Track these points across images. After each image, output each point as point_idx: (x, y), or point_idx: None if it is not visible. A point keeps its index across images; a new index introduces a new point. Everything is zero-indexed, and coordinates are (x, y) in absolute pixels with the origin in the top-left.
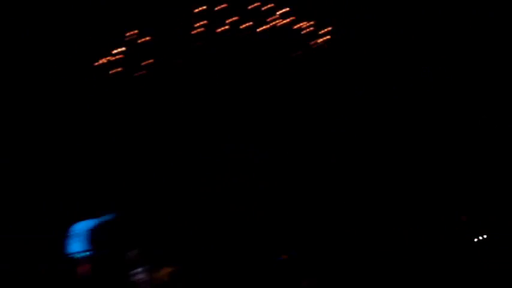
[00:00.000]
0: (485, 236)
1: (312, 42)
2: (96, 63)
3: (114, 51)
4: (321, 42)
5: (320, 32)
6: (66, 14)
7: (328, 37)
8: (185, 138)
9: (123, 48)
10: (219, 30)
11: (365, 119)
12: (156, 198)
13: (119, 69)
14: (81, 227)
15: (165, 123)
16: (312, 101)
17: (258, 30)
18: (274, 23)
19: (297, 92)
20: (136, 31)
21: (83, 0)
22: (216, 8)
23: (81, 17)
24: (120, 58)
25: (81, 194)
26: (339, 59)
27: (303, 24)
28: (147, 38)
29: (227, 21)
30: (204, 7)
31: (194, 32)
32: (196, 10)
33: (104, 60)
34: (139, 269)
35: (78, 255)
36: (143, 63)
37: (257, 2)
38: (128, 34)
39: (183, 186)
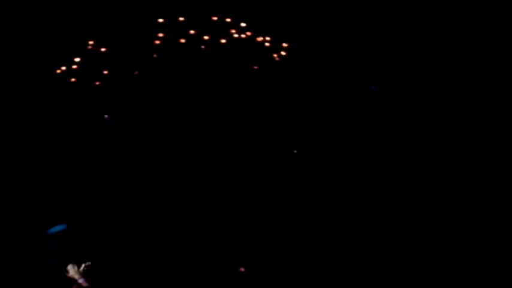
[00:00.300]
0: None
1: (270, 57)
2: (57, 71)
3: (74, 60)
4: (278, 57)
5: (278, 47)
6: (27, 20)
7: (285, 53)
8: (139, 148)
9: (79, 58)
10: (179, 41)
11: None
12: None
13: (75, 79)
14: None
15: (120, 131)
16: (269, 114)
17: (217, 42)
18: (233, 36)
19: (255, 104)
20: (93, 41)
21: (43, 8)
22: (175, 20)
23: (42, 24)
24: (78, 67)
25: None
26: (295, 74)
27: (261, 39)
28: (104, 49)
29: (186, 33)
30: (162, 20)
31: (154, 43)
32: (157, 21)
33: (63, 69)
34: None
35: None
36: (101, 73)
37: (216, 15)
38: (88, 43)
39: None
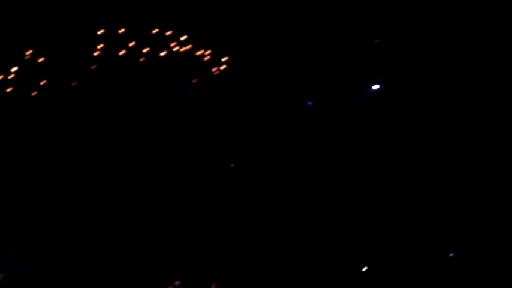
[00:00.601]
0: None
1: (210, 70)
2: None
3: (11, 70)
4: (219, 70)
5: (218, 60)
6: None
7: (225, 66)
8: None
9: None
10: (119, 53)
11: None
12: None
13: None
14: None
15: (57, 143)
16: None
17: (157, 55)
18: (173, 49)
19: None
20: (31, 50)
21: None
22: (116, 32)
23: None
24: (14, 77)
25: None
26: (236, 87)
27: (201, 52)
28: (43, 58)
29: (127, 45)
30: (103, 30)
31: (93, 54)
32: (98, 33)
33: None
34: None
35: None
36: (39, 83)
37: (156, 28)
38: (25, 53)
39: None
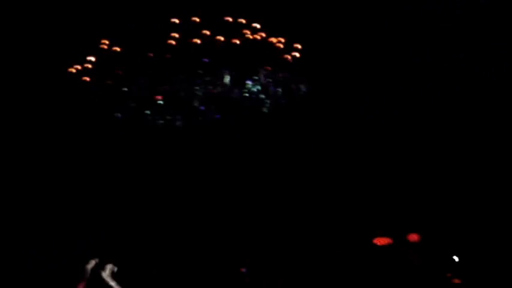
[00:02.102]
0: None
1: (282, 57)
2: (70, 69)
3: (87, 59)
4: (291, 57)
5: (290, 48)
6: (42, 20)
7: (298, 54)
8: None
9: (94, 57)
10: (192, 41)
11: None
12: None
13: (88, 78)
14: None
15: (129, 131)
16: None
17: (230, 42)
18: (246, 36)
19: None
20: (107, 40)
21: (57, 8)
22: (189, 20)
23: (56, 23)
24: (92, 66)
25: None
26: (307, 74)
27: (274, 39)
28: (118, 48)
29: (200, 33)
30: (177, 20)
31: (167, 42)
32: (171, 21)
33: (77, 67)
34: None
35: None
36: (115, 71)
37: (229, 16)
38: (101, 42)
39: None
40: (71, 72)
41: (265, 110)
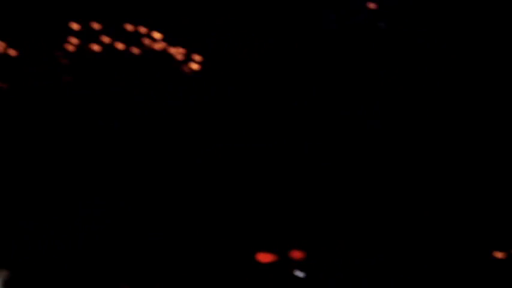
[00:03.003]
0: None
1: (183, 68)
2: None
3: None
4: (191, 69)
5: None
6: None
7: (198, 66)
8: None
9: None
10: (92, 48)
11: None
12: None
13: None
14: None
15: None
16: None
17: (130, 51)
18: (147, 46)
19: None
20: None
21: None
22: (89, 26)
23: None
24: None
25: None
26: (209, 86)
27: (175, 49)
28: (14, 52)
29: (100, 40)
30: (77, 25)
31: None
32: (70, 27)
33: None
34: None
35: None
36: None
37: (130, 24)
38: None
39: None
40: None
41: None
